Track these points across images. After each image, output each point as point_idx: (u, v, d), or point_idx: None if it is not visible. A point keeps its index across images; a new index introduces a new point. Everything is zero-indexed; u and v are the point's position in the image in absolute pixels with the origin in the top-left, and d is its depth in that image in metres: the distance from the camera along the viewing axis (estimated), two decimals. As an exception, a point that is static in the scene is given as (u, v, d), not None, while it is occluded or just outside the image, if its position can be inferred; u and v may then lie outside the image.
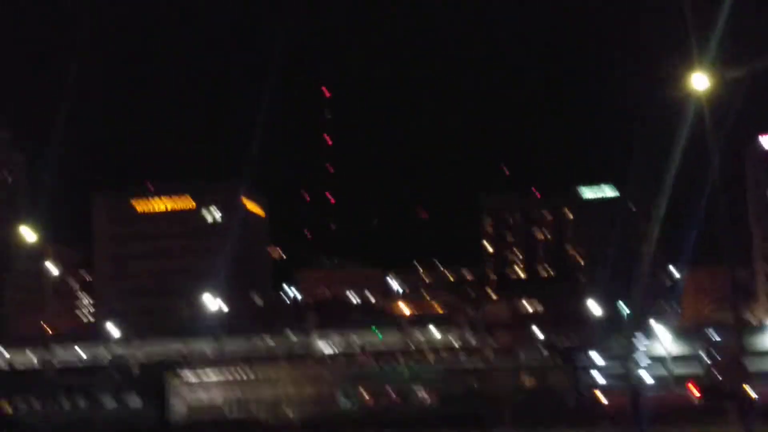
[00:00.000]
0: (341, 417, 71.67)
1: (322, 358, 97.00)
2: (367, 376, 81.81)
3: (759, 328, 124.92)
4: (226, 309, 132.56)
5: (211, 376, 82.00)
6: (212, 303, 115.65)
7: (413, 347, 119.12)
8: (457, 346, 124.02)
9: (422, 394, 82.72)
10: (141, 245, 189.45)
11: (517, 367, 79.31)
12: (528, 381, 73.20)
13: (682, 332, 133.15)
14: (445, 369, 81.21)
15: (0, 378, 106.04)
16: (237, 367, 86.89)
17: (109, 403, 78.03)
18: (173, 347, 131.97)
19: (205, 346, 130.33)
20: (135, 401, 77.05)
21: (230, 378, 78.95)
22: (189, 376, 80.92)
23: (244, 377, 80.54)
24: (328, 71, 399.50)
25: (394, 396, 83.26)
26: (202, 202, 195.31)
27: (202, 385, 79.70)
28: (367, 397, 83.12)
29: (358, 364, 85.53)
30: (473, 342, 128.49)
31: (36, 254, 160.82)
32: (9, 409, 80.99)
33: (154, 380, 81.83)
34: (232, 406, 75.14)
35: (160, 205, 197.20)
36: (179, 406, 77.08)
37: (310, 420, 70.99)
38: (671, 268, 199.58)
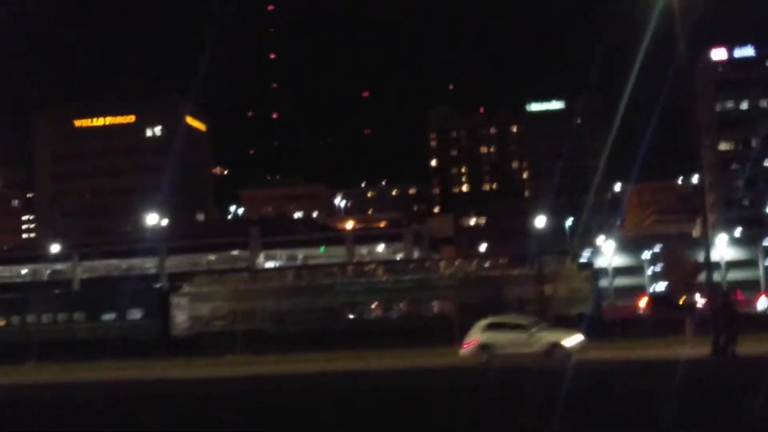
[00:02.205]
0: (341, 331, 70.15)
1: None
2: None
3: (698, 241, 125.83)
4: (167, 227, 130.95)
5: (213, 286, 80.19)
6: (153, 220, 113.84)
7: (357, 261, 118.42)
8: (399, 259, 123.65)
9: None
10: (81, 163, 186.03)
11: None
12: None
13: (625, 245, 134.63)
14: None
15: None
16: (239, 278, 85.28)
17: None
18: (114, 264, 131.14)
19: (147, 264, 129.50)
20: (134, 313, 75.73)
21: (232, 288, 77.28)
22: (189, 287, 79.33)
23: (247, 288, 78.70)
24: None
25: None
26: (144, 118, 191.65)
27: (203, 296, 78.02)
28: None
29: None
30: (417, 256, 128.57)
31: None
32: None
33: (152, 292, 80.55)
34: (236, 316, 73.73)
35: (101, 122, 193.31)
36: (180, 318, 75.79)
37: (314, 332, 69.48)
38: (616, 182, 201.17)
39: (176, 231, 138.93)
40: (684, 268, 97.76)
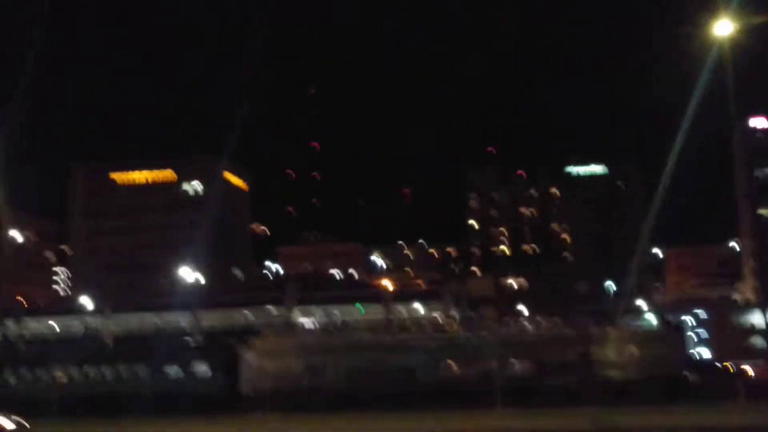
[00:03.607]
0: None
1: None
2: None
3: (745, 307, 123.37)
4: (203, 282, 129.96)
5: (283, 343, 78.16)
6: (190, 276, 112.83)
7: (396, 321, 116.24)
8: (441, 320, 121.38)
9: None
10: (119, 219, 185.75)
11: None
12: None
13: (665, 309, 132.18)
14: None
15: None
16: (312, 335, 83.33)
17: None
18: (149, 320, 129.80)
19: (181, 320, 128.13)
20: (202, 370, 73.73)
21: (304, 345, 75.29)
22: (258, 344, 77.36)
23: (321, 344, 76.58)
24: (315, 47, 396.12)
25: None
26: (183, 174, 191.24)
27: (272, 354, 75.95)
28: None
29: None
30: (457, 316, 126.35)
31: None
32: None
33: (222, 348, 78.47)
34: (307, 374, 71.80)
35: (140, 177, 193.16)
36: (249, 375, 73.62)
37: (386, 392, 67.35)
38: (655, 246, 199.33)
39: (212, 287, 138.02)
40: (733, 333, 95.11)
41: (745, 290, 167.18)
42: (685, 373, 65.35)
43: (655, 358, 67.53)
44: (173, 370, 73.69)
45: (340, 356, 75.11)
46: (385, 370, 75.23)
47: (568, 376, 66.36)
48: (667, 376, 63.02)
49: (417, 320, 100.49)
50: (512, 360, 73.93)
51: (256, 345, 76.90)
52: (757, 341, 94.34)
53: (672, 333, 70.98)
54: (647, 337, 69.96)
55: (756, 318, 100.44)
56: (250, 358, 75.13)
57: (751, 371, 66.47)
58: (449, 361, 74.47)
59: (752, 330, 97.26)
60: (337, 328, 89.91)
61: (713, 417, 41.81)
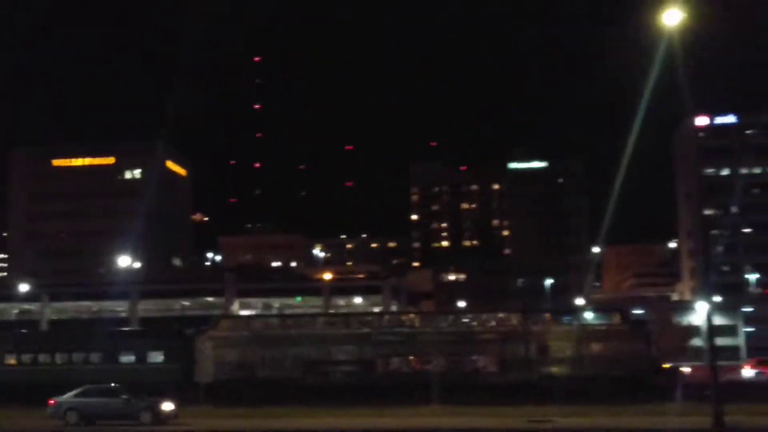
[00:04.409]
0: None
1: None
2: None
3: (684, 305, 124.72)
4: (141, 271, 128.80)
5: (240, 331, 76.72)
6: (126, 263, 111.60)
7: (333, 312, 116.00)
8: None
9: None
10: (57, 204, 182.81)
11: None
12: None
13: (603, 307, 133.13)
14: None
15: None
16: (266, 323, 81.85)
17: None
18: (85, 306, 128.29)
19: (118, 307, 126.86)
20: (155, 357, 72.10)
21: (263, 334, 74.10)
22: (214, 332, 75.90)
23: (275, 333, 75.27)
24: (258, 36, 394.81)
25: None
26: (123, 161, 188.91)
27: (231, 341, 74.53)
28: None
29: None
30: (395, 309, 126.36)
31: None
32: None
33: (176, 336, 76.89)
34: (264, 363, 70.59)
35: (80, 164, 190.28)
36: (204, 364, 72.12)
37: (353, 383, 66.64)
38: (595, 244, 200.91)
39: (150, 275, 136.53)
40: (674, 333, 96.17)
41: (683, 290, 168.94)
42: (651, 371, 65.32)
43: (620, 355, 67.28)
44: (124, 359, 72.37)
45: (298, 347, 74.16)
46: (344, 361, 74.51)
47: (509, 373, 66.29)
48: (630, 374, 62.95)
49: (378, 313, 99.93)
50: (450, 356, 73.74)
51: (213, 333, 75.72)
52: (697, 342, 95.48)
53: (637, 329, 70.64)
54: (609, 333, 69.45)
55: (696, 318, 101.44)
56: (205, 347, 73.94)
57: (686, 371, 67.30)
58: (409, 356, 74.06)
59: (692, 330, 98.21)
60: (295, 318, 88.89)
61: (657, 419, 42.12)
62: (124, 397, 45.92)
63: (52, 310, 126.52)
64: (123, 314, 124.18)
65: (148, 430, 43.76)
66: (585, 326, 69.46)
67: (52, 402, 46.98)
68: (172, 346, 72.51)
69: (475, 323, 75.69)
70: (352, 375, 70.99)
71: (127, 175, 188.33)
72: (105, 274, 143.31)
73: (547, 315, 78.05)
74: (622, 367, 64.27)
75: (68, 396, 47.26)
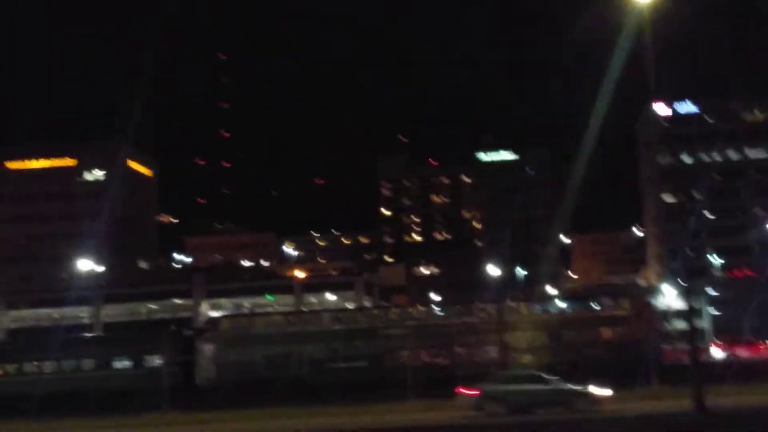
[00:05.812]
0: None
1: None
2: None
3: (650, 291, 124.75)
4: (105, 274, 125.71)
5: (244, 331, 74.47)
6: (89, 268, 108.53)
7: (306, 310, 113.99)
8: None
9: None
10: (14, 207, 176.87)
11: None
12: None
13: (574, 295, 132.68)
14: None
15: None
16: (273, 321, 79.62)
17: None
18: (44, 313, 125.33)
19: (81, 313, 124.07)
20: (152, 360, 69.54)
21: (265, 333, 71.96)
22: (216, 333, 73.62)
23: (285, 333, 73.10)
24: (226, 34, 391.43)
25: None
26: (84, 162, 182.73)
27: (232, 342, 72.23)
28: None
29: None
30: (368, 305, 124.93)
31: None
32: None
33: (174, 338, 74.45)
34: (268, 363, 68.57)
35: (38, 165, 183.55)
36: (205, 366, 69.79)
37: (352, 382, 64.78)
38: (564, 233, 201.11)
39: (114, 279, 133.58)
40: (644, 317, 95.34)
41: (649, 276, 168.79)
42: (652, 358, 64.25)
43: (625, 340, 67.05)
44: (119, 364, 69.95)
45: (304, 345, 72.05)
46: (354, 358, 72.66)
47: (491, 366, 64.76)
48: (631, 360, 61.91)
49: (387, 307, 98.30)
50: (426, 350, 72.16)
51: (214, 334, 73.54)
52: (675, 324, 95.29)
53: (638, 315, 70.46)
54: (617, 319, 69.15)
55: (672, 302, 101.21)
56: (206, 348, 71.66)
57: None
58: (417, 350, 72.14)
59: (668, 314, 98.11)
60: (302, 316, 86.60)
61: (636, 405, 41.08)
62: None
63: (9, 319, 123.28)
64: (85, 320, 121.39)
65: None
66: (594, 313, 69.48)
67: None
68: (171, 348, 70.26)
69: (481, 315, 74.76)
70: (360, 371, 69.38)
71: (89, 177, 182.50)
72: (67, 280, 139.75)
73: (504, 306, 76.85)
74: (626, 351, 64.28)
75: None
